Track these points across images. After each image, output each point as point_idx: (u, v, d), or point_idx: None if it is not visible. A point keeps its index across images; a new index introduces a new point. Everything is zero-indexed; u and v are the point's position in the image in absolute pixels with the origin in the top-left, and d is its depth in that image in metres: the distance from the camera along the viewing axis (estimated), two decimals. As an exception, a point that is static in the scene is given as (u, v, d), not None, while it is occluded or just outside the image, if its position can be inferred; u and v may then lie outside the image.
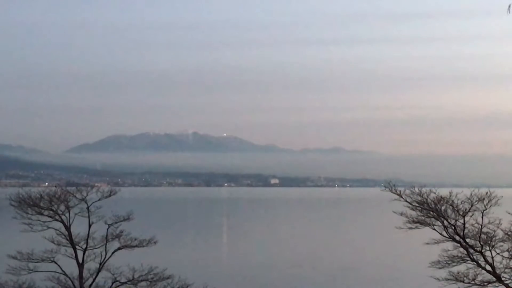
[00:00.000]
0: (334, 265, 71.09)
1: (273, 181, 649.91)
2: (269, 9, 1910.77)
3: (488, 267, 23.40)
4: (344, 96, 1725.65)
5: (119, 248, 26.27)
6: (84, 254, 25.73)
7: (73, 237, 25.72)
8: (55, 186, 27.09)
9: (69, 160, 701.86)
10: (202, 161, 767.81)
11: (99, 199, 26.21)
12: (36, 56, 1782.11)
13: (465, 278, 23.50)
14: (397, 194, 24.23)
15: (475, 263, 23.57)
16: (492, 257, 23.43)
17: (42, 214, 25.68)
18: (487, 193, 23.63)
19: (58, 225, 25.84)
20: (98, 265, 25.79)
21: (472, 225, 23.65)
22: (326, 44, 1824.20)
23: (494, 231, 23.44)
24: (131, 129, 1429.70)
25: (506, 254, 23.43)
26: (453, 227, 23.81)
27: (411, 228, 24.48)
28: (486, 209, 23.47)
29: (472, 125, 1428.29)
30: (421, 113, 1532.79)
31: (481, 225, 23.46)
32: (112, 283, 25.58)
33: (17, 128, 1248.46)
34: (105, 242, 26.05)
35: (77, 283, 25.36)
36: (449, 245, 24.15)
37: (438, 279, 24.14)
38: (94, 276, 25.69)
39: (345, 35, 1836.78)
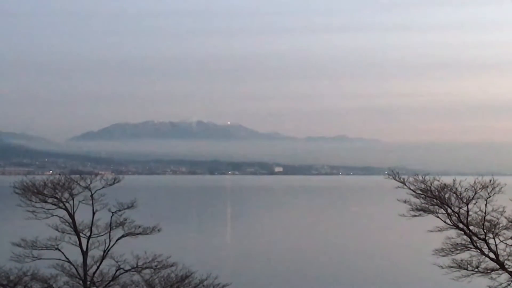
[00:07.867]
0: (338, 253, 71.33)
1: (277, 169, 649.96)
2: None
3: (491, 255, 23.38)
4: (348, 84, 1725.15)
5: (123, 236, 26.23)
6: (88, 241, 25.70)
7: (77, 225, 25.67)
8: (59, 174, 26.98)
9: (73, 148, 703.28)
10: (206, 149, 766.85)
11: (103, 187, 26.07)
12: (37, 45, 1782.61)
13: (468, 266, 23.51)
14: (401, 182, 24.15)
15: (478, 251, 23.54)
16: (496, 245, 23.41)
17: (46, 201, 25.60)
18: (490, 180, 23.56)
19: (62, 212, 25.86)
20: (102, 253, 25.76)
21: (476, 212, 23.59)
22: (330, 32, 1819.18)
23: (498, 218, 23.40)
24: (135, 117, 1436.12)
25: (509, 241, 23.43)
26: (456, 215, 23.77)
27: (414, 215, 24.40)
28: (490, 196, 23.40)
29: (476, 113, 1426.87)
30: (425, 101, 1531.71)
31: (485, 213, 23.41)
32: (116, 271, 25.60)
33: (21, 116, 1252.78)
34: (109, 230, 25.98)
35: (81, 271, 25.40)
36: (453, 232, 24.13)
37: (441, 266, 24.13)
38: (98, 264, 25.70)
39: (348, 22, 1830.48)
